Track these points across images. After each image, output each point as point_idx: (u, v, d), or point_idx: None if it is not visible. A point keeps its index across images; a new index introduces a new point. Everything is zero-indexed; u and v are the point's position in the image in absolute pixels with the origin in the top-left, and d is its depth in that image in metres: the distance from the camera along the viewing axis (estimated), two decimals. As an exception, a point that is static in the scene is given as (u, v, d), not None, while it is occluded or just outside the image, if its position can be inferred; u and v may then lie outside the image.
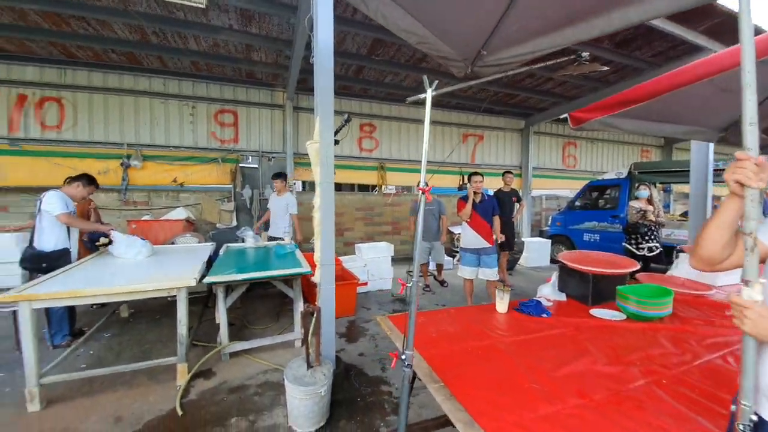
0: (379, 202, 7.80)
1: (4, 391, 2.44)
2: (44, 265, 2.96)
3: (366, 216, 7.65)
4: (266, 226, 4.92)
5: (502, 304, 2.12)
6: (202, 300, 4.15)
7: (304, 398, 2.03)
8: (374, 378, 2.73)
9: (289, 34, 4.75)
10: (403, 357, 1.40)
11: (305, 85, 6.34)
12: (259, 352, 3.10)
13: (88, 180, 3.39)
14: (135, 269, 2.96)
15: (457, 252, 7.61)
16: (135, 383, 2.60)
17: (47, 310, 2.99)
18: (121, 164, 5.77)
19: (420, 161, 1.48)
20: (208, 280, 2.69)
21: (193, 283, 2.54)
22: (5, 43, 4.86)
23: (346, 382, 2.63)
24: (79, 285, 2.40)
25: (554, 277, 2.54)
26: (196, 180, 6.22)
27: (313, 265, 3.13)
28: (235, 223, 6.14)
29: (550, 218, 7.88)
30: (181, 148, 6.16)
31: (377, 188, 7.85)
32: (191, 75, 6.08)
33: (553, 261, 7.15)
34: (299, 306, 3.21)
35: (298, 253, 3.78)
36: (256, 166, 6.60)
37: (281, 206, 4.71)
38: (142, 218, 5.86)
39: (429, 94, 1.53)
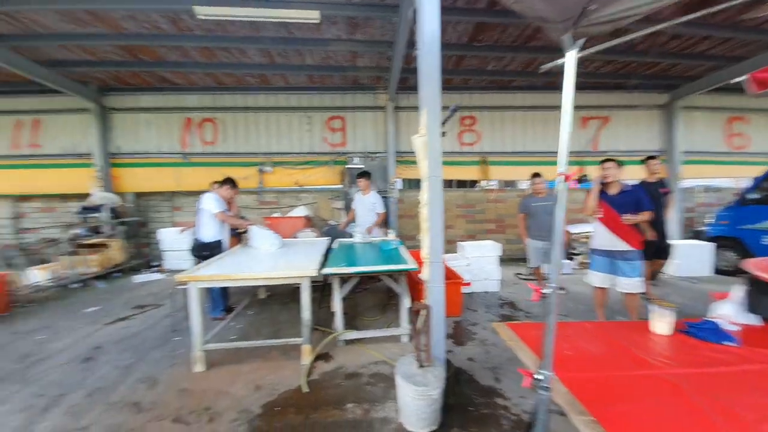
0: (481, 198, 7.38)
1: (181, 352, 3.12)
2: (205, 252, 3.68)
3: (467, 213, 7.34)
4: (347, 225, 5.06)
5: (663, 324, 1.69)
6: (319, 288, 4.60)
7: (417, 398, 2.00)
8: (487, 388, 2.54)
9: (390, 35, 4.85)
10: (539, 378, 1.20)
11: (405, 84, 6.41)
12: (370, 342, 3.24)
13: (233, 184, 4.11)
14: (269, 259, 3.44)
15: (575, 254, 6.68)
16: (270, 357, 3.01)
17: (208, 289, 3.71)
18: (258, 170, 6.84)
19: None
20: (326, 271, 2.93)
21: (315, 274, 2.80)
22: (175, 77, 6.27)
23: (456, 387, 2.52)
24: (230, 270, 2.90)
25: (737, 292, 1.92)
26: (312, 181, 6.97)
27: (419, 262, 3.12)
28: (342, 220, 6.68)
29: (712, 215, 6.17)
30: (301, 153, 6.97)
31: (479, 184, 7.44)
32: (307, 88, 6.81)
33: (721, 271, 5.58)
34: (405, 302, 3.24)
35: (404, 250, 3.83)
36: (362, 166, 6.99)
37: (367, 205, 4.76)
38: (273, 215, 6.86)
39: (573, 55, 1.26)
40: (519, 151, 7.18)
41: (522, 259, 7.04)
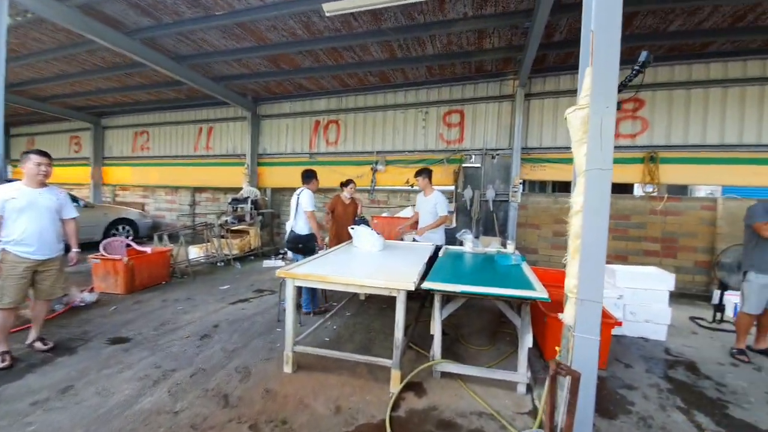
0: (641, 207, 5.56)
1: (278, 346, 3.09)
2: (300, 245, 3.89)
3: (617, 227, 5.64)
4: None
5: None
6: (419, 297, 4.13)
7: None
8: None
9: (529, 2, 3.97)
10: None
11: (542, 65, 5.35)
12: (474, 381, 2.56)
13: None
14: (368, 261, 3.13)
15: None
16: (357, 372, 2.69)
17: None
18: (371, 169, 6.86)
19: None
20: (426, 285, 2.41)
21: (411, 288, 2.32)
22: (309, 83, 6.80)
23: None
24: (326, 271, 2.67)
25: None
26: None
27: (546, 284, 2.31)
28: (454, 224, 6.01)
29: None
30: (414, 151, 6.66)
31: (643, 189, 5.60)
32: (425, 82, 6.44)
33: None
34: (526, 340, 2.43)
35: (526, 268, 2.98)
36: (479, 165, 6.20)
37: (428, 207, 4.19)
38: (382, 215, 6.75)
39: None
40: (709, 144, 5.10)
41: (699, 297, 5.01)
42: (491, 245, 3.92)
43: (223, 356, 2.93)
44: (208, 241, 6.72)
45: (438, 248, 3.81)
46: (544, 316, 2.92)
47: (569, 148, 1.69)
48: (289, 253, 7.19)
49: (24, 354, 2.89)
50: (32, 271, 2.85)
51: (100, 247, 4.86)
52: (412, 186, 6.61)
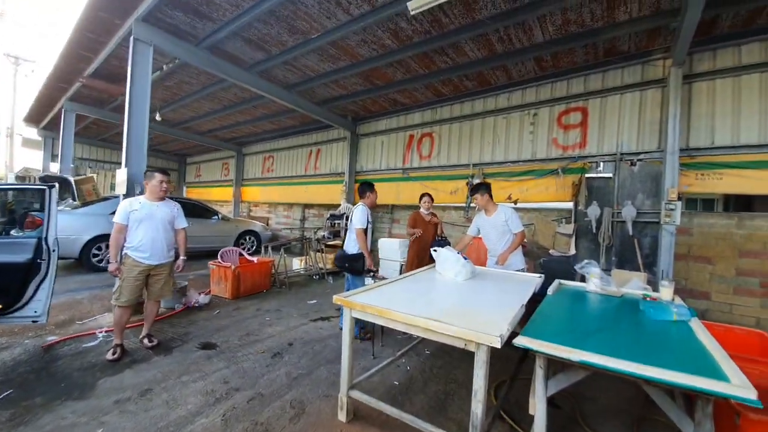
0: None
1: (337, 379, 2.71)
2: (346, 264, 3.55)
3: None
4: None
5: None
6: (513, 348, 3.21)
7: None
8: None
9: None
10: None
11: (709, 33, 3.85)
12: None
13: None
14: (448, 294, 2.49)
15: None
16: (424, 440, 2.06)
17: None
18: (467, 184, 6.14)
19: None
20: (521, 342, 1.66)
21: (497, 344, 1.61)
22: (402, 97, 6.62)
23: None
24: (390, 303, 2.17)
25: None
26: (530, 197, 5.47)
27: (736, 357, 1.35)
28: (573, 251, 4.69)
29: None
30: (519, 162, 5.67)
31: None
32: (534, 78, 5.46)
33: None
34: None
35: (699, 328, 1.87)
36: (610, 174, 4.80)
37: (497, 226, 3.49)
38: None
39: None
40: None
41: None
42: (631, 284, 2.76)
43: (284, 382, 2.71)
44: (307, 254, 7.08)
45: (548, 283, 2.86)
46: (736, 414, 1.75)
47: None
48: (381, 272, 7.06)
49: (134, 348, 3.26)
50: (146, 274, 3.21)
51: (219, 255, 5.52)
52: (515, 202, 5.59)
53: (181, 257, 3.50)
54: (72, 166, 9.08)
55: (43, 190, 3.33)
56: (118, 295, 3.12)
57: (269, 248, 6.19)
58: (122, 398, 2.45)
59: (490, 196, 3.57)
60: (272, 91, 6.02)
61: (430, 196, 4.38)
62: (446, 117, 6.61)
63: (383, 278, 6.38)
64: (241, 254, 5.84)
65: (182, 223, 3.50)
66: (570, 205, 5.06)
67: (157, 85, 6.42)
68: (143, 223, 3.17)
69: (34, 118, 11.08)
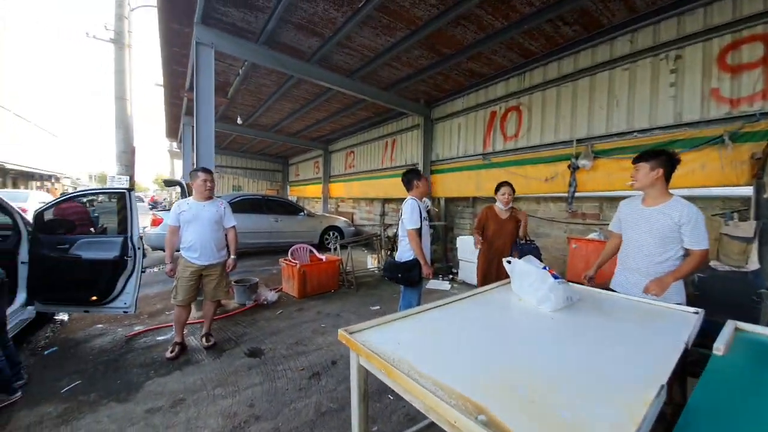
0: None
1: (373, 430, 2.11)
2: (399, 274, 2.84)
3: None
4: None
5: None
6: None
7: None
8: None
9: None
10: None
11: None
12: None
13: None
14: (521, 339, 1.50)
15: None
16: None
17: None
18: (569, 166, 4.76)
19: None
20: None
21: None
22: (478, 66, 5.50)
23: None
24: (411, 351, 1.36)
25: None
26: (675, 180, 3.81)
27: None
28: (754, 263, 2.92)
29: None
30: (653, 131, 4.04)
31: None
32: (673, 4, 3.76)
33: None
34: None
35: None
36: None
37: (658, 230, 2.08)
38: (589, 236, 4.54)
39: None
40: None
41: None
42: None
43: (309, 418, 2.25)
44: (378, 253, 6.68)
45: (706, 325, 1.64)
46: None
47: None
48: (460, 274, 6.17)
49: (193, 347, 3.27)
50: (198, 274, 3.18)
51: (289, 252, 5.53)
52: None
53: (232, 256, 3.39)
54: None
55: (123, 192, 3.62)
56: (175, 294, 3.15)
57: (337, 247, 5.97)
58: (154, 407, 2.35)
59: (666, 173, 2.08)
60: (334, 81, 5.70)
61: (510, 185, 3.29)
62: (537, 82, 5.24)
63: (462, 282, 5.51)
64: (311, 251, 5.76)
65: (230, 221, 3.38)
66: (746, 190, 3.30)
67: (238, 89, 6.82)
68: (191, 224, 3.13)
69: (170, 132, 13.53)
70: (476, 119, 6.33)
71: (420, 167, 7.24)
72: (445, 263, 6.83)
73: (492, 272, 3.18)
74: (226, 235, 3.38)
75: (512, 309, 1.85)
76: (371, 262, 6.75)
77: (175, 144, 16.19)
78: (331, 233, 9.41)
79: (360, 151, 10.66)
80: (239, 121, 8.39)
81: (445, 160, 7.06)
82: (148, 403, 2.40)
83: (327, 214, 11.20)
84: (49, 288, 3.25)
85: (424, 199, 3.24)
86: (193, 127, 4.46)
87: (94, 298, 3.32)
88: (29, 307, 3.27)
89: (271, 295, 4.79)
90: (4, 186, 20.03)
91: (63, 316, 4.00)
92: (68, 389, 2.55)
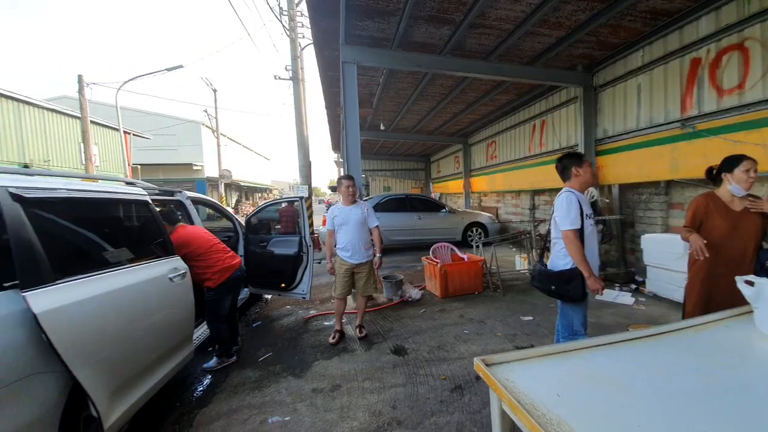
0: None
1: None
2: (552, 287, 2.22)
3: None
4: None
5: None
6: None
7: None
8: None
9: None
10: None
11: None
12: None
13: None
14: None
15: None
16: None
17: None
18: None
19: None
20: None
21: None
22: (665, 1, 3.97)
23: None
24: (571, 412, 1.03)
25: None
26: None
27: None
28: None
29: None
30: None
31: None
32: None
33: None
34: None
35: None
36: None
37: None
38: None
39: None
40: None
41: None
42: None
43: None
44: (529, 253, 5.88)
45: None
46: None
47: None
48: (648, 285, 4.71)
49: (350, 336, 3.65)
50: (351, 272, 3.53)
51: (430, 251, 5.55)
52: None
53: (377, 255, 3.60)
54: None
55: (296, 200, 4.42)
56: (334, 288, 3.59)
57: (479, 245, 5.57)
58: (318, 388, 2.69)
59: None
60: (469, 68, 5.31)
61: (753, 160, 2.09)
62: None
63: (652, 296, 4.26)
64: (453, 250, 5.60)
65: (374, 221, 3.59)
66: None
67: (381, 98, 7.31)
68: (343, 227, 3.48)
69: (335, 146, 16.00)
70: (666, 74, 4.69)
71: (580, 149, 5.98)
72: (624, 268, 5.41)
73: (718, 295, 2.14)
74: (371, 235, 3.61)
75: (757, 359, 1.18)
76: (520, 262, 6.03)
77: (339, 155, 19.11)
78: (474, 230, 9.01)
79: (502, 139, 9.76)
80: (382, 127, 9.03)
81: (617, 137, 5.57)
82: (314, 382, 2.77)
83: (469, 210, 10.78)
84: (256, 275, 4.23)
85: (589, 189, 2.52)
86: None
87: (283, 285, 4.13)
88: (245, 290, 4.35)
89: (415, 293, 4.90)
90: (241, 198, 28.70)
91: (267, 296, 5.19)
92: (263, 359, 3.23)
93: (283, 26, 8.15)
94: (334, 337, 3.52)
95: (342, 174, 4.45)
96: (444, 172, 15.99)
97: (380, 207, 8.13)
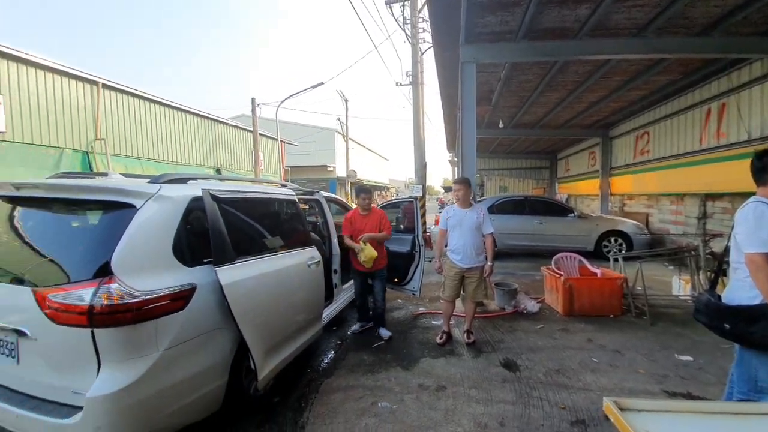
0: None
1: None
2: (726, 326, 1.66)
3: None
4: None
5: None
6: None
7: None
8: None
9: None
10: None
11: None
12: None
13: None
14: None
15: None
16: None
17: None
18: None
19: None
20: None
21: None
22: None
23: None
24: None
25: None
26: None
27: None
28: None
29: None
30: None
31: None
32: None
33: None
34: None
35: None
36: None
37: None
38: None
39: None
40: None
41: None
42: None
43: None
44: (695, 275, 4.62)
45: None
46: None
47: None
48: None
49: (457, 339, 3.63)
50: (461, 275, 3.50)
51: (552, 260, 4.98)
52: None
53: (488, 262, 3.46)
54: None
55: (412, 201, 4.63)
56: (443, 290, 3.63)
57: (619, 259, 4.66)
58: (424, 384, 2.78)
59: None
60: (615, 48, 4.48)
61: None
62: None
63: None
64: (581, 262, 4.89)
65: (488, 228, 3.45)
66: None
67: (501, 94, 6.89)
68: (456, 229, 3.47)
69: (449, 146, 15.96)
70: None
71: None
72: None
73: None
74: (484, 240, 3.48)
75: None
76: (680, 286, 4.81)
77: (453, 155, 18.98)
78: (612, 240, 7.62)
79: (658, 130, 7.93)
80: (501, 125, 8.52)
81: None
82: (420, 378, 2.87)
83: (607, 216, 9.19)
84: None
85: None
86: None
87: (396, 279, 4.39)
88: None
89: (531, 305, 4.50)
90: None
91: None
92: (375, 346, 3.52)
93: (406, 34, 8.53)
94: (441, 338, 3.55)
95: (456, 176, 4.42)
96: (574, 171, 13.99)
97: (496, 209, 7.70)
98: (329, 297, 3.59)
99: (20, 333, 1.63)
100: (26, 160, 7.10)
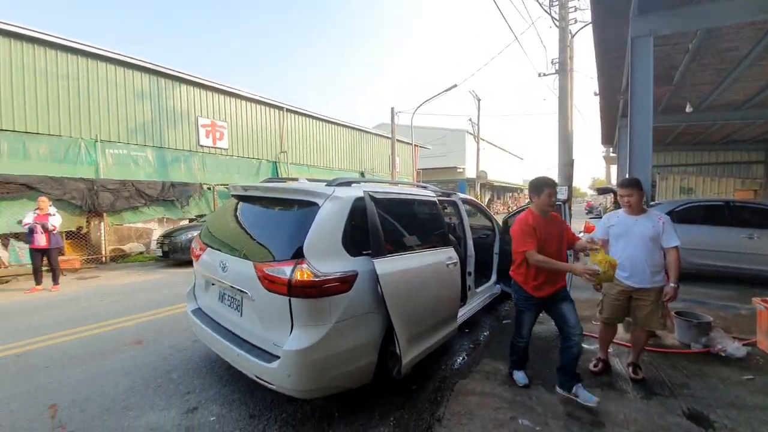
0: None
1: None
2: None
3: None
4: None
5: None
6: None
7: None
8: None
9: None
10: None
11: None
12: None
13: None
14: None
15: None
16: None
17: None
18: None
19: None
20: None
21: None
22: None
23: None
24: None
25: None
26: None
27: None
28: None
29: None
30: None
31: None
32: None
33: None
34: None
35: None
36: None
37: None
38: None
39: None
40: None
41: None
42: None
43: None
44: None
45: None
46: None
47: None
48: None
49: (617, 371, 3.05)
50: (627, 296, 2.89)
51: (778, 291, 3.61)
52: None
53: (671, 283, 2.75)
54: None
55: (559, 205, 4.19)
56: (601, 309, 3.10)
57: None
58: (574, 414, 2.45)
59: None
60: None
61: None
62: None
63: None
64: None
65: (672, 240, 2.75)
66: None
67: (688, 69, 5.40)
68: (621, 239, 2.91)
69: (605, 139, 13.51)
70: None
71: None
72: None
73: None
74: (665, 256, 2.79)
75: None
76: None
77: (610, 149, 15.99)
78: None
79: None
80: (688, 108, 6.64)
81: None
82: (569, 407, 2.53)
83: None
84: (503, 273, 4.38)
85: None
86: (627, 128, 4.14)
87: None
88: (497, 285, 4.59)
89: (733, 347, 3.38)
90: (493, 197, 30.38)
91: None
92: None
93: (552, 18, 7.66)
94: (596, 365, 3.04)
95: (619, 176, 3.71)
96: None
97: (677, 216, 6.04)
98: (463, 299, 3.58)
99: (244, 293, 2.25)
100: (240, 168, 10.17)
